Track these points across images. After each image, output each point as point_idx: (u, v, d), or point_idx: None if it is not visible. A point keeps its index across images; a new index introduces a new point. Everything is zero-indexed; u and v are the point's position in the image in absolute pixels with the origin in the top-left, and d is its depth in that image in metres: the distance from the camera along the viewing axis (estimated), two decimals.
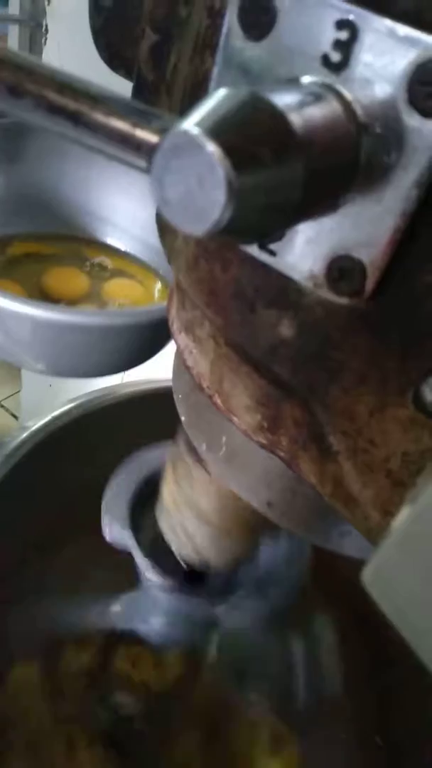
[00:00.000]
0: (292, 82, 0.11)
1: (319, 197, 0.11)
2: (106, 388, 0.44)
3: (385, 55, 0.11)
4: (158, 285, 0.51)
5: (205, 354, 0.19)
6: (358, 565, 0.11)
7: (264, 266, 0.14)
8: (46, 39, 0.69)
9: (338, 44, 0.11)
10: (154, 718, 0.48)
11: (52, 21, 0.67)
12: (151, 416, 0.39)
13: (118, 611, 0.40)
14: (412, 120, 0.11)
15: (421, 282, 0.12)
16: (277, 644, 0.48)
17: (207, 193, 0.09)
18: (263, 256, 0.14)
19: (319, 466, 0.17)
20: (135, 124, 0.09)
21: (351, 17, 0.11)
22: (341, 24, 0.11)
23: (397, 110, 0.11)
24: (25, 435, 0.39)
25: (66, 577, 0.50)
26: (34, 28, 0.75)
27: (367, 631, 0.49)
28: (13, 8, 0.78)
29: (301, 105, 0.10)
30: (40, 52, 0.74)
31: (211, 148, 0.08)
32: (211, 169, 0.09)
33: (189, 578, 0.30)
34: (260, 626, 0.32)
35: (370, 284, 0.13)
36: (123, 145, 0.09)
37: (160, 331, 0.37)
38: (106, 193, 0.51)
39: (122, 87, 0.15)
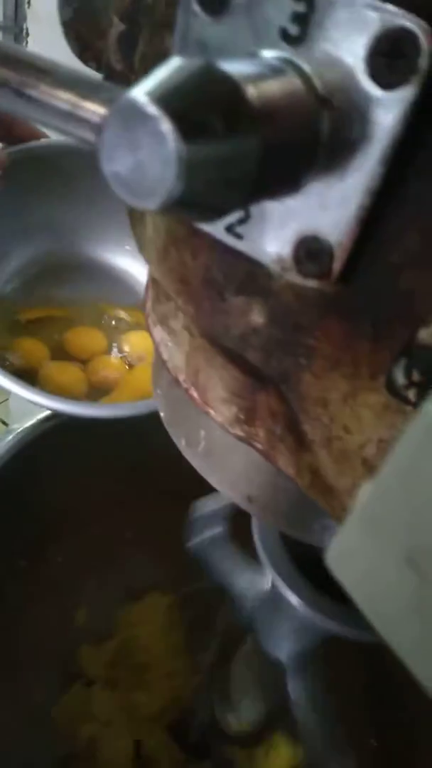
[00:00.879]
0: (250, 56, 0.11)
1: (278, 174, 0.10)
2: None
3: (344, 27, 0.10)
4: None
5: (180, 347, 0.19)
6: None
7: (232, 252, 0.14)
8: (27, 42, 0.69)
9: (296, 17, 0.10)
10: None
11: (33, 24, 0.67)
12: (138, 421, 0.39)
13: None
14: (374, 93, 0.11)
15: (388, 262, 0.12)
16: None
17: (157, 165, 0.08)
18: (230, 240, 0.13)
19: (295, 456, 0.17)
20: (82, 96, 0.09)
21: None
22: None
23: (357, 83, 0.11)
24: (11, 437, 0.39)
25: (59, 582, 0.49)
26: (18, 33, 0.76)
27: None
28: None
29: (258, 77, 0.10)
30: None
31: (160, 115, 0.08)
32: (160, 139, 0.08)
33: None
34: None
35: (337, 266, 0.12)
36: (70, 118, 0.09)
37: None
38: (121, 251, 0.51)
39: None
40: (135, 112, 0.08)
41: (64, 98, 0.09)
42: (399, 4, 0.10)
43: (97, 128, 0.09)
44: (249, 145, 0.09)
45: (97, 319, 0.50)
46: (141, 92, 0.08)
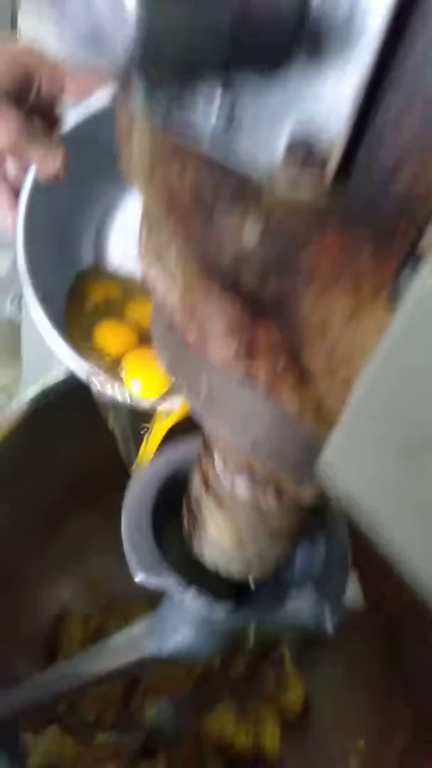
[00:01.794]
0: None
1: (255, 28, 0.09)
2: None
3: None
4: None
5: (175, 284, 0.18)
6: None
7: (220, 167, 0.13)
8: None
9: None
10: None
11: None
12: None
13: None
14: None
15: (386, 158, 0.11)
16: None
17: (116, 8, 0.07)
18: (217, 150, 0.12)
19: (299, 392, 0.16)
20: None
21: None
22: None
23: None
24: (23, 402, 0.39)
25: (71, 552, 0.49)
26: None
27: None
28: None
29: None
30: None
31: None
32: None
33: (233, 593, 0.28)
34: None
35: (332, 166, 0.11)
36: None
37: None
38: None
39: None
40: None
41: None
42: None
43: None
44: None
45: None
46: None
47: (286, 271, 0.13)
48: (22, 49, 0.35)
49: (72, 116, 0.38)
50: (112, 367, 0.39)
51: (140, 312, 0.44)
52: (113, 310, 0.44)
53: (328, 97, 0.11)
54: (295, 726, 0.48)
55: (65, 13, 0.07)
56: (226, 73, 0.10)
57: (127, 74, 0.08)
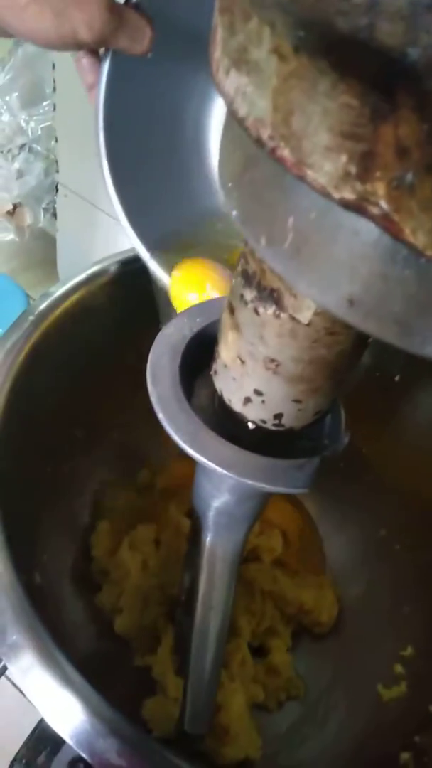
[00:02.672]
0: None
1: None
2: None
3: None
4: None
5: (264, 85, 0.14)
6: None
7: None
8: None
9: None
10: None
11: None
12: None
13: None
14: None
15: None
16: None
17: None
18: None
19: (429, 219, 0.13)
20: None
21: None
22: None
23: None
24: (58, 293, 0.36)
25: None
26: None
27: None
28: None
29: None
30: None
31: None
32: None
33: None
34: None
35: None
36: None
37: None
38: None
39: None
40: None
41: None
42: None
43: None
44: None
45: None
46: None
47: None
48: None
49: None
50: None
51: None
52: None
53: None
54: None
55: None
56: None
57: None
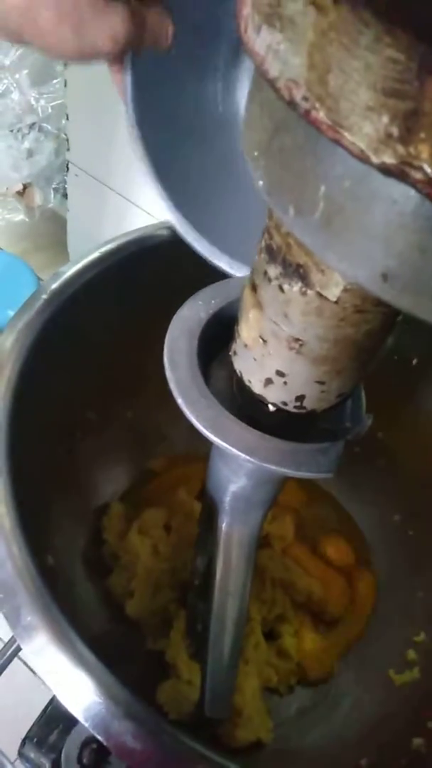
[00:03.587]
0: None
1: None
2: (161, 223, 0.38)
3: None
4: None
5: (300, 40, 0.13)
6: None
7: None
8: None
9: None
10: None
11: None
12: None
13: None
14: None
15: None
16: None
17: None
18: None
19: None
20: None
21: None
22: None
23: None
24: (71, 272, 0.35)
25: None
26: None
27: None
28: None
29: None
30: None
31: None
32: None
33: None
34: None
35: None
36: None
37: None
38: None
39: None
40: None
41: None
42: None
43: None
44: None
45: None
46: None
47: None
48: None
49: None
50: None
51: None
52: None
53: None
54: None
55: None
56: None
57: None
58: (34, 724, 0.50)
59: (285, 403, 0.23)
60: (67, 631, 0.24)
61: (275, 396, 0.23)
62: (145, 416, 0.49)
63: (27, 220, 1.05)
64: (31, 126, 1.01)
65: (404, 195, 0.13)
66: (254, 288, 0.21)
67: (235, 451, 0.24)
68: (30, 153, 1.03)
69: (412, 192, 0.13)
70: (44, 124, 1.02)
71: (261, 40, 0.14)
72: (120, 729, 0.21)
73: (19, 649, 0.36)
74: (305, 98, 0.13)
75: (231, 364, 0.25)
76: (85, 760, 0.34)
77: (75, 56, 0.25)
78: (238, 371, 0.24)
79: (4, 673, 0.43)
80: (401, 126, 0.12)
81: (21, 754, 0.48)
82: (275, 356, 0.22)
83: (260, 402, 0.24)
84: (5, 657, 0.32)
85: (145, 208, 0.68)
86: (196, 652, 0.43)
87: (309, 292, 0.19)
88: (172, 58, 0.30)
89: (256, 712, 0.42)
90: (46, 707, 0.49)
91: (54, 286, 0.34)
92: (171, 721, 0.41)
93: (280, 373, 0.22)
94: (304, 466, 0.23)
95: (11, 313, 0.34)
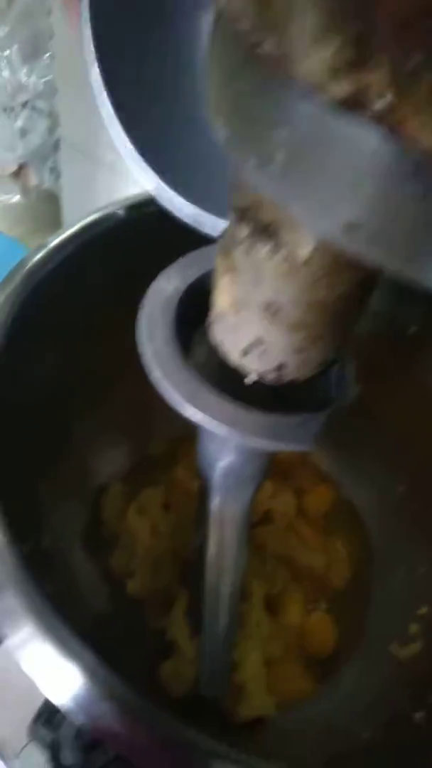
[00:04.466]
0: None
1: None
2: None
3: None
4: None
5: None
6: None
7: None
8: None
9: None
10: None
11: None
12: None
13: None
14: None
15: None
16: None
17: None
18: None
19: None
20: None
21: None
22: None
23: None
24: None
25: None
26: None
27: None
28: None
29: None
30: None
31: None
32: None
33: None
34: None
35: None
36: None
37: None
38: None
39: None
40: None
41: None
42: None
43: None
44: None
45: None
46: None
47: None
48: None
49: None
50: None
51: None
52: None
53: None
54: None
55: None
56: None
57: None
58: (43, 703, 0.50)
59: (264, 374, 0.22)
60: (49, 615, 0.23)
61: (254, 366, 0.22)
62: (140, 394, 0.48)
63: (23, 201, 1.04)
64: (24, 104, 0.99)
65: (364, 134, 0.12)
66: (226, 252, 0.20)
67: (215, 423, 0.23)
68: (23, 132, 1.01)
69: (372, 130, 0.12)
70: (37, 102, 1.00)
71: None
72: (102, 712, 0.21)
73: None
74: (252, 29, 0.12)
75: (209, 335, 0.24)
76: (82, 741, 0.34)
77: None
78: (215, 342, 0.23)
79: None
80: (355, 48, 0.11)
81: (32, 733, 0.49)
82: (251, 324, 0.21)
83: (239, 373, 0.23)
84: None
85: (139, 182, 0.67)
86: (197, 631, 0.43)
87: (279, 252, 0.18)
88: None
89: (258, 688, 0.42)
90: None
91: (38, 257, 0.33)
92: (175, 700, 0.41)
93: (257, 342, 0.21)
94: (284, 438, 0.22)
95: None
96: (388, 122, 0.11)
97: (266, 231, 0.18)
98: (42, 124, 1.00)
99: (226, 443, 0.27)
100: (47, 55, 0.91)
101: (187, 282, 0.25)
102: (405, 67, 0.10)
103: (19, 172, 1.06)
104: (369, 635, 0.44)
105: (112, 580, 0.46)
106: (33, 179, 1.05)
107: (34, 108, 1.00)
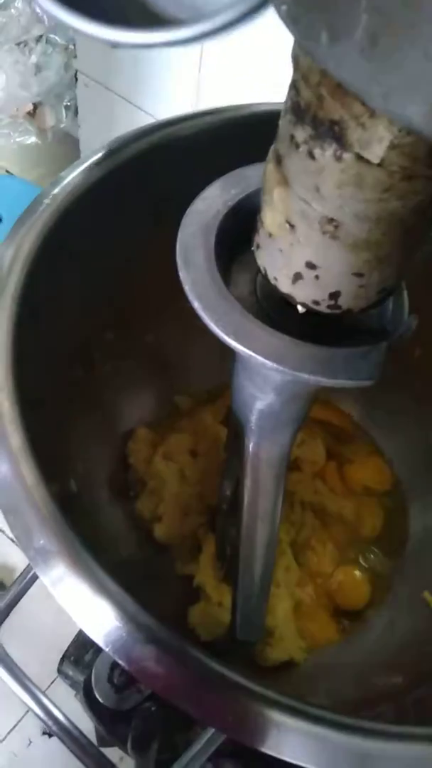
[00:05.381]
0: None
1: None
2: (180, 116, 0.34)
3: None
4: None
5: None
6: None
7: None
8: None
9: None
10: None
11: None
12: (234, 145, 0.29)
13: None
14: None
15: None
16: None
17: None
18: None
19: None
20: None
21: None
22: None
23: None
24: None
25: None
26: None
27: None
28: None
29: None
30: None
31: None
32: None
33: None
34: None
35: None
36: None
37: None
38: None
39: None
40: None
41: None
42: None
43: None
44: None
45: None
46: None
47: None
48: None
49: None
50: None
51: None
52: None
53: None
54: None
55: None
56: None
57: None
58: (71, 644, 0.51)
59: (317, 302, 0.20)
60: (84, 556, 0.22)
61: (305, 294, 0.20)
62: (167, 341, 0.46)
63: (39, 142, 1.00)
64: (38, 38, 0.94)
65: None
66: (279, 160, 0.18)
67: (261, 359, 0.21)
68: (38, 68, 0.96)
69: None
70: (52, 36, 0.95)
71: None
72: (142, 654, 0.20)
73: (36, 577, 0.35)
74: None
75: (253, 262, 0.22)
76: (115, 680, 0.34)
77: None
78: (262, 268, 0.21)
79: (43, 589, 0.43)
80: None
81: (60, 671, 0.50)
82: (305, 244, 0.19)
83: (288, 303, 0.21)
84: (26, 580, 0.31)
85: (159, 117, 0.63)
86: (226, 576, 0.43)
87: (346, 155, 0.15)
88: None
89: (288, 632, 0.42)
90: None
91: (56, 190, 0.31)
92: (203, 643, 0.41)
93: (310, 265, 0.19)
94: (341, 373, 0.20)
95: None
96: None
97: (331, 130, 0.15)
98: (57, 60, 0.95)
99: (268, 382, 0.26)
100: None
101: (228, 204, 0.23)
102: None
103: (34, 112, 1.02)
104: (402, 583, 0.44)
105: (139, 525, 0.46)
106: (49, 119, 1.01)
107: (49, 42, 0.95)
